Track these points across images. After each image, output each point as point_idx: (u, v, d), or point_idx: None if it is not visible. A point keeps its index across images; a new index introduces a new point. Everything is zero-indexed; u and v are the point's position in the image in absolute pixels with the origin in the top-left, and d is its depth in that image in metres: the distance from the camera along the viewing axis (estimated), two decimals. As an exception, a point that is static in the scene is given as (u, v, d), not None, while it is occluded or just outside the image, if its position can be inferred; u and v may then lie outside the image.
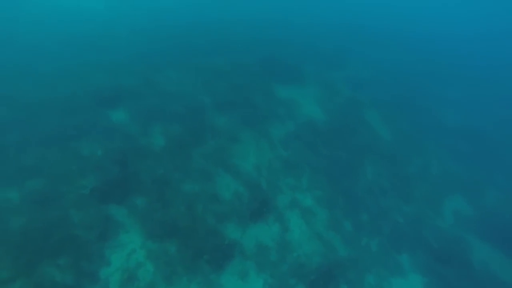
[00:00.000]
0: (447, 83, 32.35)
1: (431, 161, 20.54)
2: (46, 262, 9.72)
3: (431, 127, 23.99)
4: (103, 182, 12.29)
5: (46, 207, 11.11)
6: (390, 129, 22.15)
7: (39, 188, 11.62)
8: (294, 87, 22.91)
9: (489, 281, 14.44)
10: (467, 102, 29.35)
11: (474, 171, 20.77)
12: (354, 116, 21.73)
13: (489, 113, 28.24)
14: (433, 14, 57.98)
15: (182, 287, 10.47)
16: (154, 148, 14.81)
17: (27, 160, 12.59)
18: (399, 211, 16.85)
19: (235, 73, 22.38)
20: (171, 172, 13.96)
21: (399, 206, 17.09)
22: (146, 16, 31.34)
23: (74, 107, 16.02)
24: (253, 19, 36.68)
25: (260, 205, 14.28)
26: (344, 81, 26.53)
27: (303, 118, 19.86)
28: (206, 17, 34.31)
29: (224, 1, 40.60)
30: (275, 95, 21.18)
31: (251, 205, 14.09)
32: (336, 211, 15.45)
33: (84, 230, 10.74)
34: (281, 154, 17.01)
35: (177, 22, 31.08)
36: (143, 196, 12.65)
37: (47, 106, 15.66)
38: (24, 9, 26.29)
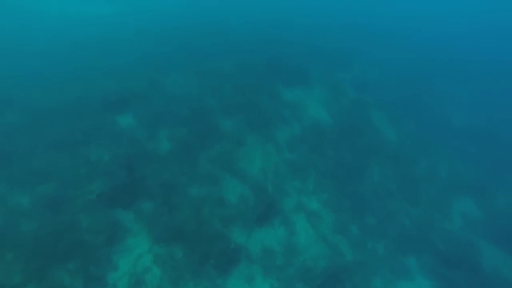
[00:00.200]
0: (455, 81, 31.88)
1: (439, 162, 20.30)
2: (56, 266, 9.91)
3: (439, 128, 23.69)
4: (110, 187, 12.46)
5: (56, 212, 11.32)
6: (397, 130, 21.96)
7: (49, 193, 11.84)
8: (300, 88, 22.86)
9: (499, 285, 14.24)
10: (475, 101, 28.88)
11: (483, 173, 20.46)
12: (360, 117, 21.60)
13: (499, 111, 27.74)
14: (439, 9, 57.21)
15: (189, 291, 10.59)
16: (160, 152, 14.96)
17: (37, 165, 12.83)
18: (406, 213, 16.72)
19: (241, 75, 22.41)
20: (178, 176, 14.08)
21: (406, 209, 16.96)
22: (152, 19, 31.60)
23: (82, 112, 16.25)
24: (258, 20, 36.70)
25: (266, 208, 14.32)
26: (350, 81, 26.36)
27: (309, 120, 19.82)
28: (211, 19, 34.44)
29: (228, 2, 40.70)
30: (281, 97, 21.17)
31: (257, 208, 14.14)
32: (343, 214, 15.41)
33: (92, 235, 10.91)
34: (287, 157, 17.02)
35: (182, 24, 31.27)
36: (149, 201, 12.79)
37: (55, 111, 15.91)
38: (32, 17, 26.74)
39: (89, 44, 23.91)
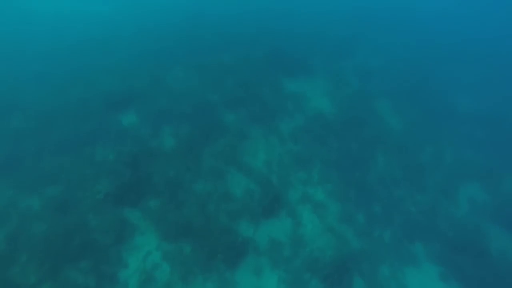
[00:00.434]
0: (460, 64, 31.28)
1: (445, 149, 20.12)
2: (68, 266, 10.18)
3: (444, 114, 23.39)
4: (117, 186, 12.63)
5: (65, 213, 11.56)
6: (401, 117, 21.76)
7: (58, 195, 12.08)
8: (302, 79, 22.69)
9: (508, 269, 14.24)
10: (482, 85, 28.36)
11: (490, 158, 20.24)
12: (364, 106, 21.42)
13: (505, 95, 27.25)
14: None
15: (198, 286, 10.79)
16: (164, 149, 15.07)
17: (45, 168, 13.06)
18: (412, 201, 16.70)
19: (242, 68, 22.30)
20: (183, 172, 14.20)
21: (412, 196, 16.92)
22: (151, 15, 31.44)
23: (86, 113, 16.39)
24: (258, 11, 36.26)
25: (272, 201, 14.40)
26: (353, 70, 26.08)
27: (312, 111, 19.73)
28: (210, 12, 34.12)
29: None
30: (283, 89, 21.05)
31: (263, 201, 14.23)
32: (348, 204, 15.45)
33: (102, 234, 11.14)
34: (291, 149, 17.02)
35: (182, 19, 31.07)
36: (156, 198, 12.97)
37: (59, 113, 16.09)
38: (31, 19, 26.73)
39: (89, 43, 23.94)
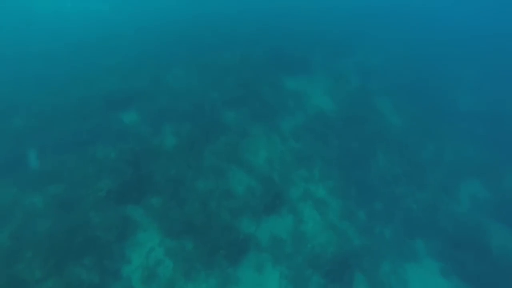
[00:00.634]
0: (461, 62, 31.30)
1: (446, 145, 20.18)
2: (72, 262, 10.28)
3: (445, 111, 23.44)
4: (119, 183, 12.72)
5: (68, 210, 11.66)
6: (402, 115, 21.82)
7: (60, 193, 12.18)
8: (303, 77, 22.76)
9: (509, 265, 14.29)
10: (482, 81, 28.38)
11: (491, 155, 20.30)
12: (364, 104, 21.48)
13: (506, 92, 27.26)
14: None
15: (201, 282, 10.89)
16: (166, 147, 15.16)
17: (47, 166, 13.16)
18: (413, 197, 16.77)
19: (243, 67, 22.38)
20: (184, 170, 14.29)
21: (413, 193, 17.00)
22: (151, 14, 31.53)
23: (87, 111, 16.49)
24: (257, 10, 36.32)
25: (273, 198, 14.48)
26: (353, 67, 26.13)
27: (313, 109, 19.80)
28: (210, 11, 34.19)
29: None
30: (284, 87, 21.13)
31: (264, 198, 14.31)
32: (349, 201, 15.53)
33: (104, 231, 11.23)
34: (292, 147, 17.10)
35: (182, 18, 31.15)
36: (158, 196, 13.06)
37: (60, 112, 16.19)
38: (31, 19, 26.83)
39: (90, 42, 24.04)
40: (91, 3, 31.35)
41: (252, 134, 17.03)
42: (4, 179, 12.64)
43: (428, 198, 17.02)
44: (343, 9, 40.21)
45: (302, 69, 23.61)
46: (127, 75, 20.05)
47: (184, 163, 14.59)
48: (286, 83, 21.67)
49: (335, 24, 34.31)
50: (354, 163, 17.29)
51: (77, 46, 23.44)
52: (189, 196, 13.37)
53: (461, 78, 28.32)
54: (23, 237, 10.58)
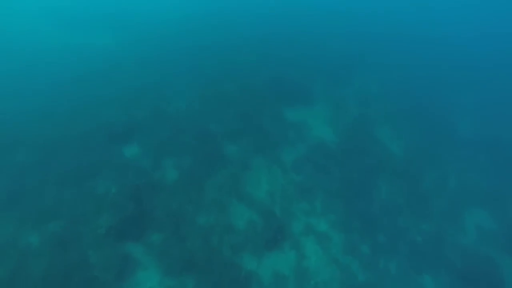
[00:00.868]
0: (460, 88, 31.71)
1: (448, 174, 20.07)
2: (67, 305, 9.94)
3: (446, 139, 23.51)
4: (119, 220, 12.57)
5: (65, 249, 11.43)
6: (402, 143, 21.88)
7: (58, 231, 12.00)
8: (303, 108, 23.07)
9: (520, 300, 13.77)
10: (482, 108, 28.64)
11: (493, 183, 20.13)
12: (364, 134, 21.61)
13: (506, 117, 27.47)
14: (441, 14, 57.36)
15: (201, 325, 10.47)
16: (167, 181, 15.11)
17: (46, 203, 13.05)
18: (417, 229, 16.45)
19: (243, 98, 22.75)
20: (186, 205, 14.16)
21: (417, 224, 16.69)
22: (152, 46, 32.44)
23: (88, 145, 16.59)
24: (257, 41, 37.39)
25: (275, 232, 14.25)
26: (353, 97, 26.52)
27: (314, 140, 19.90)
28: (211, 43, 35.22)
29: (226, 24, 41.62)
30: (285, 118, 21.36)
31: (266, 233, 14.08)
32: (352, 234, 15.23)
33: (103, 271, 10.95)
34: (293, 179, 17.03)
35: (183, 49, 32.01)
36: (158, 232, 12.85)
37: (62, 146, 16.28)
38: (35, 53, 27.65)
39: (91, 76, 24.58)
40: (93, 38, 32.39)
41: (253, 166, 17.02)
42: (3, 216, 12.50)
43: (432, 229, 16.69)
44: (341, 39, 41.37)
45: (302, 99, 23.98)
46: (129, 107, 20.35)
47: (186, 197, 14.49)
48: (286, 114, 21.93)
49: (334, 52, 35.19)
50: (356, 194, 17.13)
51: (79, 80, 23.93)
52: (190, 232, 13.17)
53: (460, 104, 28.64)
54: (16, 280, 10.30)
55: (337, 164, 18.38)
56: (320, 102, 24.63)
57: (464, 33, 49.93)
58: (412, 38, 44.77)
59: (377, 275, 13.99)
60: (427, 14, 54.20)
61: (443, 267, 15.05)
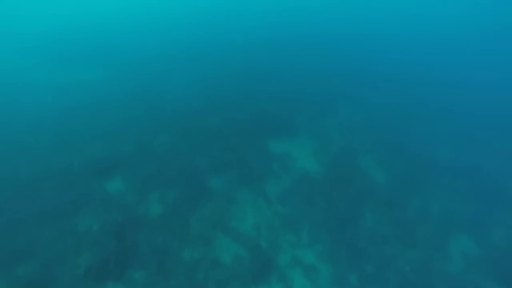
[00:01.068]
0: (438, 118, 33.19)
1: (431, 202, 20.47)
2: None
3: (426, 166, 24.22)
4: (100, 258, 12.11)
5: (42, 292, 10.83)
6: (385, 172, 22.39)
7: (29, 274, 11.39)
8: (288, 140, 23.57)
9: (510, 328, 13.64)
10: (458, 136, 29.92)
11: (474, 208, 20.60)
12: (348, 163, 22.09)
13: (481, 145, 28.70)
14: (420, 55, 60.93)
15: None
16: (151, 216, 14.83)
17: (18, 244, 12.50)
18: (404, 258, 16.43)
19: (228, 131, 23.13)
20: (170, 240, 13.83)
21: (404, 253, 16.69)
22: (137, 81, 33.04)
23: (70, 181, 16.29)
24: (241, 75, 38.67)
25: (262, 266, 13.97)
26: (337, 128, 27.33)
27: (298, 172, 20.17)
28: (195, 77, 36.19)
29: (211, 58, 43.05)
30: (269, 150, 21.71)
31: (253, 267, 13.78)
32: (340, 265, 15.06)
33: (81, 314, 10.37)
34: (279, 211, 17.00)
35: (167, 84, 32.70)
36: (142, 269, 12.39)
37: (42, 182, 15.93)
38: (17, 89, 27.71)
39: (75, 110, 24.65)
40: (77, 73, 32.83)
41: (239, 200, 16.97)
42: (-25, 259, 11.85)
43: (419, 257, 16.70)
44: (324, 73, 43.13)
45: (287, 131, 24.56)
46: (112, 142, 20.32)
47: (170, 232, 14.18)
48: (271, 146, 22.32)
49: (318, 85, 36.56)
50: (342, 225, 17.17)
51: (63, 115, 23.92)
52: (175, 268, 12.75)
53: (437, 133, 29.86)
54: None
55: (322, 194, 18.55)
56: (305, 134, 25.25)
57: (443, 63, 52.81)
58: (392, 70, 47.11)
59: (367, 307, 13.71)
60: (408, 56, 57.53)
61: (432, 296, 14.90)
